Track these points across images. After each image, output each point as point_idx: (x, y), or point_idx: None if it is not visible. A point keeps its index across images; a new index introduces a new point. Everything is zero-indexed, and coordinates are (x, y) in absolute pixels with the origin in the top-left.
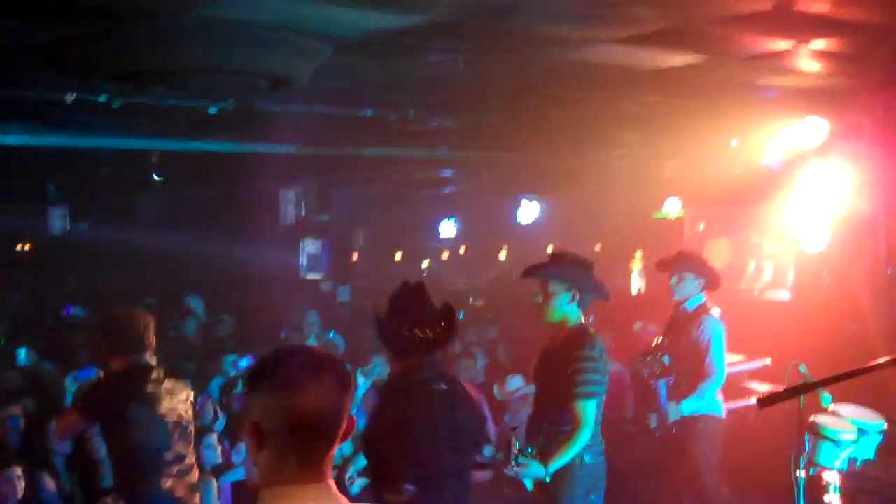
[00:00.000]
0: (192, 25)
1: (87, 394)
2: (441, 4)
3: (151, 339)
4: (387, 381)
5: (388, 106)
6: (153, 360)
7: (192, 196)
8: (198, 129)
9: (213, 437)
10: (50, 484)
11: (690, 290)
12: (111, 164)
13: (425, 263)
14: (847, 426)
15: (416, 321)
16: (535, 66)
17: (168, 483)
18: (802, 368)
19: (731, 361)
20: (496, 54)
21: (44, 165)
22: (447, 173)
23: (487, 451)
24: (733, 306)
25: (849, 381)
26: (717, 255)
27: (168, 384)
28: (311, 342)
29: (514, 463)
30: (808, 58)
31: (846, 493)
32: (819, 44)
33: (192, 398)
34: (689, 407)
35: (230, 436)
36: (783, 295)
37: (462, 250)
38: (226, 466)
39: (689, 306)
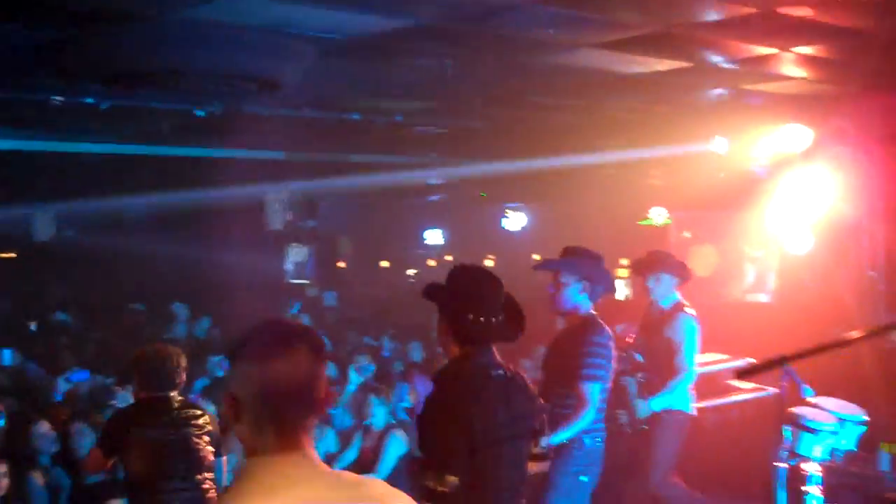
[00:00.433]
0: (179, 28)
1: (105, 426)
2: (426, 6)
3: (182, 377)
4: (443, 368)
5: (375, 111)
6: (176, 394)
7: (179, 201)
8: (184, 133)
9: None
10: (38, 480)
11: (667, 289)
12: (98, 170)
13: (412, 272)
14: (828, 417)
15: (487, 309)
16: (522, 71)
17: None
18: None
19: (714, 360)
20: (483, 59)
21: (29, 170)
22: (434, 181)
23: (544, 441)
24: (716, 309)
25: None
26: (703, 261)
27: (187, 411)
28: None
29: None
30: (792, 63)
31: (827, 487)
32: (803, 49)
33: (209, 421)
34: (658, 403)
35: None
36: (763, 297)
37: (449, 258)
38: None
39: (664, 304)
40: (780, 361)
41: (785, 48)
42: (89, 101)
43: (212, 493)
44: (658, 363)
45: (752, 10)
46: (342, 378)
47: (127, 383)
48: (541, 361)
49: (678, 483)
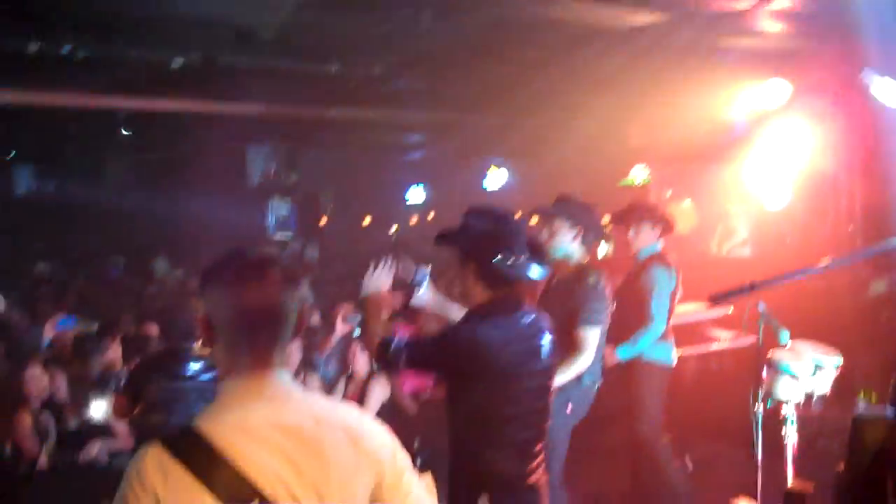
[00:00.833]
0: None
1: (129, 373)
2: None
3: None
4: (471, 311)
5: (353, 64)
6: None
7: (159, 155)
8: (163, 85)
9: None
10: (26, 422)
11: (647, 240)
12: (77, 123)
13: (393, 228)
14: (804, 360)
15: (514, 249)
16: (499, 23)
17: None
18: (761, 307)
19: (693, 310)
20: (460, 10)
21: (8, 124)
22: (415, 138)
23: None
24: (696, 263)
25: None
26: (682, 218)
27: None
28: None
29: None
30: (770, 18)
31: (805, 436)
32: (780, 3)
33: None
34: (624, 353)
35: None
36: (745, 251)
37: (430, 216)
38: None
39: (643, 255)
40: (751, 287)
41: (763, 2)
42: (65, 50)
43: None
44: (628, 313)
45: None
46: (328, 328)
47: (109, 332)
48: None
49: (667, 444)
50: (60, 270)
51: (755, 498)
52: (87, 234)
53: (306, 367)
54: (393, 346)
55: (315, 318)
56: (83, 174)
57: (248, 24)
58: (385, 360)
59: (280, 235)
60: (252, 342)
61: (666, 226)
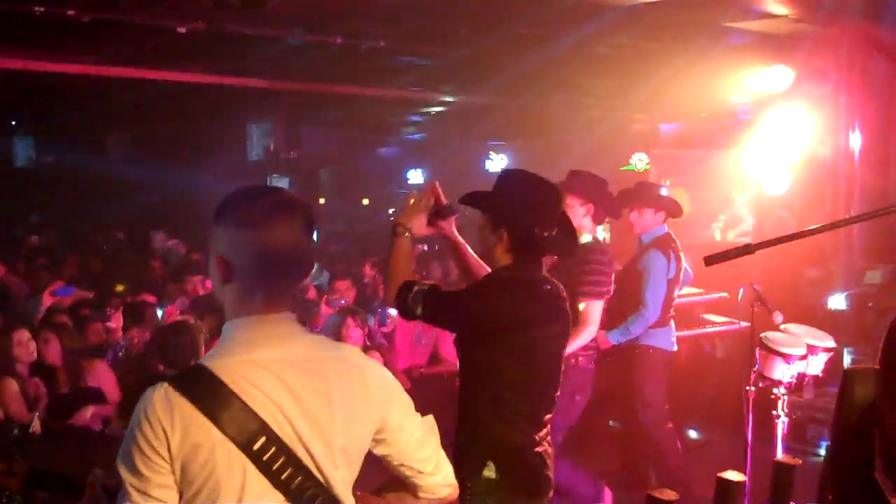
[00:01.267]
0: None
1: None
2: None
3: (202, 349)
4: (491, 274)
5: (357, 35)
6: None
7: (160, 129)
8: (167, 54)
9: None
10: (12, 386)
11: (650, 224)
12: (78, 96)
13: (391, 210)
14: (797, 342)
15: (549, 219)
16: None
17: None
18: (755, 288)
19: (689, 293)
20: None
21: (9, 95)
22: (416, 118)
23: None
24: (695, 248)
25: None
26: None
27: None
28: None
29: None
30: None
31: (796, 421)
32: None
33: None
34: (616, 336)
35: None
36: (748, 238)
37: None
38: None
39: (645, 239)
40: (746, 249)
41: None
42: (70, 13)
43: None
44: (624, 297)
45: None
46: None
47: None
48: None
49: (671, 429)
50: (59, 242)
51: (744, 473)
52: (86, 206)
53: None
54: (414, 290)
55: (311, 293)
56: (83, 146)
57: None
58: (404, 304)
59: None
60: (269, 284)
61: (670, 211)
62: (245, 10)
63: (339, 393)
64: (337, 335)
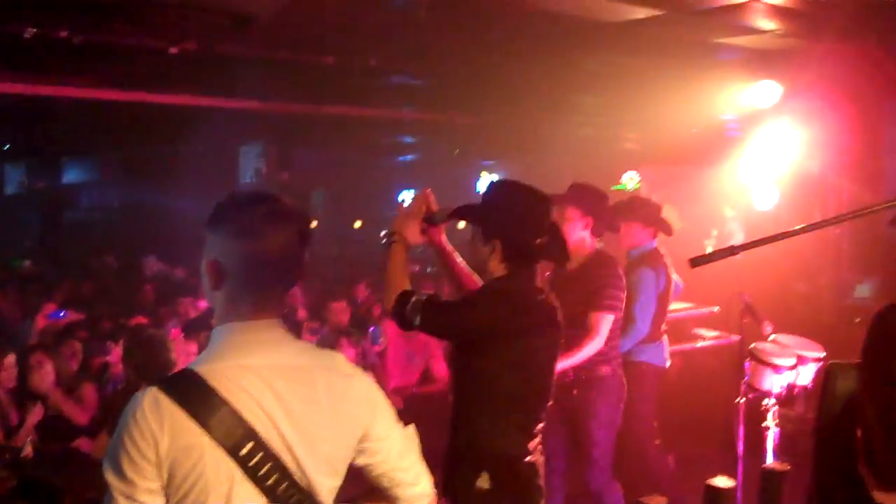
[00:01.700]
0: None
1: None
2: None
3: (174, 357)
4: (487, 285)
5: (349, 54)
6: None
7: (151, 152)
8: (158, 77)
9: None
10: None
11: (639, 239)
12: (70, 120)
13: (384, 232)
14: (786, 353)
15: (539, 226)
16: (496, 16)
17: None
18: (745, 299)
19: (680, 308)
20: (457, 1)
21: (2, 116)
22: (407, 139)
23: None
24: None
25: (793, 327)
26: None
27: None
28: None
29: None
30: (763, 14)
31: (786, 433)
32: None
33: None
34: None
35: None
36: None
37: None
38: None
39: (634, 253)
40: (730, 250)
41: None
42: (62, 34)
43: None
44: None
45: None
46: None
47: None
48: None
49: (659, 446)
50: (49, 269)
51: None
52: (78, 231)
53: None
54: (412, 300)
55: (302, 314)
56: (74, 170)
57: (245, 9)
58: (402, 314)
59: None
60: (260, 291)
61: (659, 228)
62: (236, 30)
63: (326, 400)
64: None
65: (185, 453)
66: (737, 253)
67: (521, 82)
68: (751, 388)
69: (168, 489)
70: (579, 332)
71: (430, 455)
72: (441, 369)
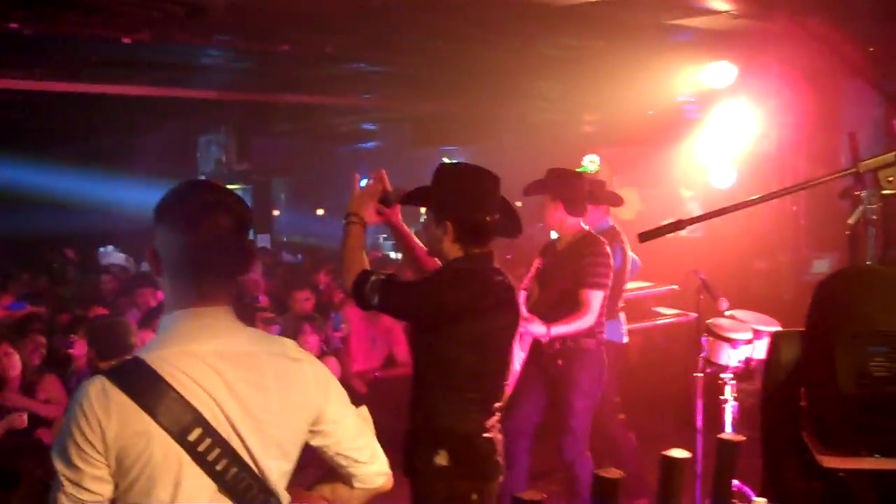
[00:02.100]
0: None
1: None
2: None
3: (134, 341)
4: (445, 266)
5: (305, 44)
6: None
7: (108, 143)
8: (114, 68)
9: None
10: None
11: (592, 219)
12: (23, 111)
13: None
14: (742, 327)
15: (489, 205)
16: (452, 1)
17: None
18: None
19: (639, 286)
20: None
21: None
22: (368, 126)
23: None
24: (652, 245)
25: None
26: (627, 205)
27: None
28: None
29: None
30: None
31: (747, 409)
32: None
33: None
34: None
35: None
36: (698, 233)
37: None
38: None
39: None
40: (677, 225)
41: None
42: (13, 25)
43: None
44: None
45: None
46: (279, 310)
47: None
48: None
49: (623, 421)
50: (6, 261)
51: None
52: (34, 223)
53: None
54: (371, 280)
55: (264, 301)
56: (30, 161)
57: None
58: (361, 294)
59: None
60: (199, 280)
61: (610, 202)
62: (190, 20)
63: (275, 386)
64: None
65: (132, 441)
66: (683, 227)
67: (480, 68)
68: (708, 363)
69: (116, 476)
70: (570, 308)
71: (395, 437)
72: (404, 353)
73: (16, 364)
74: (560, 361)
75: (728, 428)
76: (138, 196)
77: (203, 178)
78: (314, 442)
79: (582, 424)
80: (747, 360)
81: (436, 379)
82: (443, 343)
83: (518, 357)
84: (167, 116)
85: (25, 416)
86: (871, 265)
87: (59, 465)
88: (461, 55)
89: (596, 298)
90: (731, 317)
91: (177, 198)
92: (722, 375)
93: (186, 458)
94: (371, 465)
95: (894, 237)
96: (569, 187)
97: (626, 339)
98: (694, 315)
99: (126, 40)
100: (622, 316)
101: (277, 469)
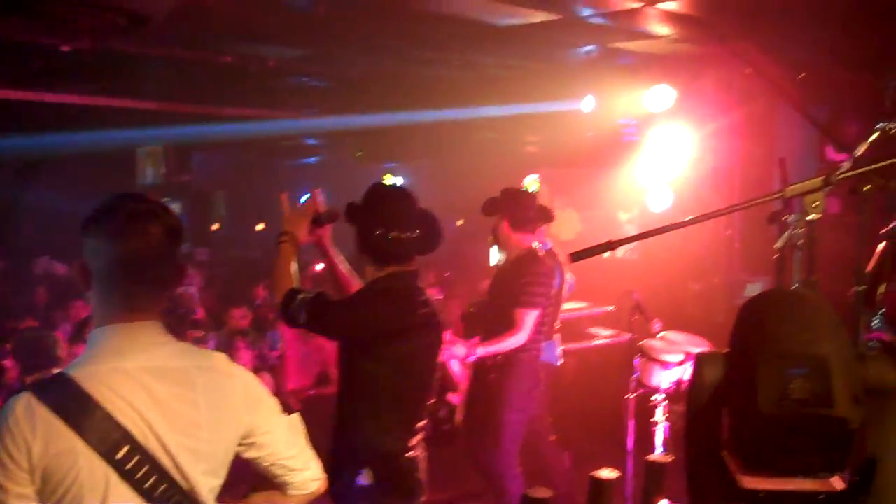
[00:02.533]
0: None
1: None
2: None
3: (62, 354)
4: (370, 285)
5: (247, 55)
6: None
7: (45, 153)
8: (53, 76)
9: None
10: None
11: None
12: None
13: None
14: (674, 349)
15: (398, 223)
16: (395, 18)
17: None
18: (634, 297)
19: (576, 307)
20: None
21: None
22: (310, 141)
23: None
24: (586, 264)
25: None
26: (567, 226)
27: None
28: None
29: None
30: (657, 20)
31: (676, 429)
32: (667, 6)
33: None
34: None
35: None
36: (634, 255)
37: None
38: None
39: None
40: (608, 245)
41: (650, 3)
42: None
43: None
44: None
45: None
46: (215, 325)
47: None
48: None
49: (554, 442)
50: None
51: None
52: None
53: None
54: (298, 298)
55: (201, 314)
56: None
57: (140, 9)
58: (288, 311)
59: None
60: (127, 293)
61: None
62: (131, 29)
63: (205, 400)
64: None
65: (58, 459)
66: (614, 247)
67: (423, 84)
68: (641, 384)
69: (43, 494)
70: (506, 326)
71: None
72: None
73: None
74: (493, 375)
75: (659, 449)
76: (75, 205)
77: (141, 189)
78: (248, 455)
79: (511, 438)
80: (679, 382)
81: (358, 397)
82: (365, 362)
83: (457, 370)
84: (105, 126)
85: None
86: (796, 288)
87: None
88: (405, 71)
89: (528, 317)
90: (664, 338)
91: (105, 208)
92: (654, 396)
93: (114, 476)
94: (306, 471)
95: (818, 261)
96: (515, 205)
97: (560, 362)
98: (628, 336)
99: (65, 48)
100: (557, 338)
101: (207, 484)
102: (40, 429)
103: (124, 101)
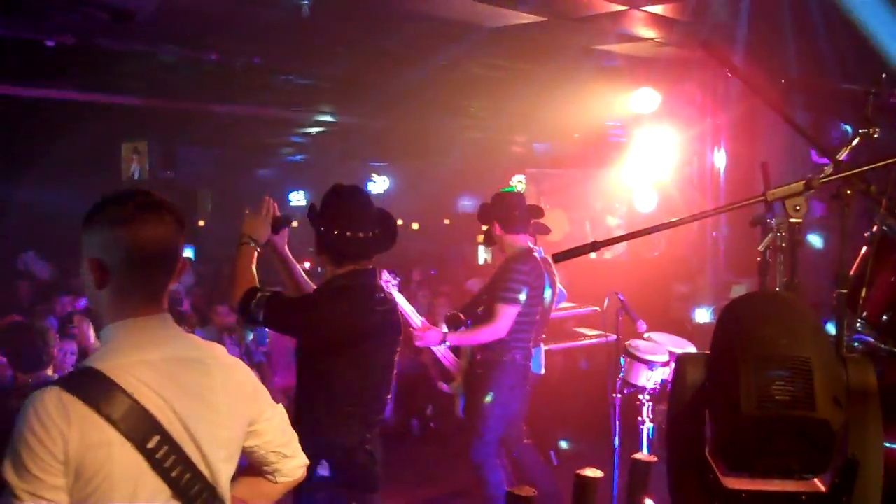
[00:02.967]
0: None
1: None
2: None
3: (53, 353)
4: (328, 282)
5: (234, 53)
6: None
7: (29, 148)
8: (36, 71)
9: None
10: None
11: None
12: None
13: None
14: (659, 349)
15: (354, 223)
16: (382, 18)
17: None
18: (620, 297)
19: (562, 308)
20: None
21: None
22: (296, 139)
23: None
24: (573, 265)
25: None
26: (555, 225)
27: None
28: None
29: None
30: (642, 23)
31: (661, 429)
32: (651, 8)
33: None
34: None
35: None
36: (622, 256)
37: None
38: None
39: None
40: (591, 246)
41: (635, 5)
42: None
43: None
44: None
45: None
46: (200, 321)
47: None
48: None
49: (530, 445)
50: None
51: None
52: None
53: None
54: (257, 297)
55: (186, 307)
56: None
57: (124, 5)
58: (246, 309)
59: None
60: (145, 283)
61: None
62: (115, 25)
63: (221, 389)
64: None
65: (93, 451)
66: (597, 248)
67: (410, 85)
68: (626, 383)
69: (74, 485)
70: (485, 319)
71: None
72: None
73: None
74: (480, 370)
75: (644, 448)
76: (59, 201)
77: (125, 185)
78: (248, 442)
79: (491, 430)
80: (664, 382)
81: (319, 393)
82: (324, 358)
83: (448, 358)
84: (90, 121)
85: None
86: (778, 291)
87: (12, 476)
88: (391, 71)
89: (504, 312)
90: (649, 339)
91: (113, 201)
92: (639, 396)
93: (145, 465)
94: (294, 458)
95: (800, 264)
96: (503, 206)
97: (542, 371)
98: (614, 336)
99: (49, 43)
100: (542, 346)
101: (226, 472)
102: (75, 420)
103: (107, 96)
